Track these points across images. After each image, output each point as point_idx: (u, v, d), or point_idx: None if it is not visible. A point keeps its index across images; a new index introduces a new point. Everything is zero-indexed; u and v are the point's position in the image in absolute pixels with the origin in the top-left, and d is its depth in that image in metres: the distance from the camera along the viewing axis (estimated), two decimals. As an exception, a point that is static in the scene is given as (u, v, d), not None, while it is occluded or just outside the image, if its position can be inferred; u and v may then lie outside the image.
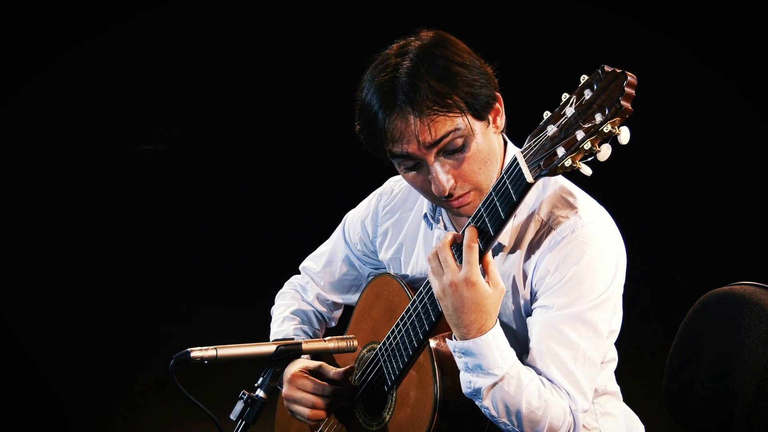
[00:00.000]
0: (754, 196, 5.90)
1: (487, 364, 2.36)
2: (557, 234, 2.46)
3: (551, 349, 2.42)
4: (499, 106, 2.49)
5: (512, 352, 2.40)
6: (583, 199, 2.53)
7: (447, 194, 2.44)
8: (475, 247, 2.34)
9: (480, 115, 2.43)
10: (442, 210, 2.65)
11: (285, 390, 2.71)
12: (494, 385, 2.37)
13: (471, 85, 2.41)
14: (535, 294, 2.49)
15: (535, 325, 2.46)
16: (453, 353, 2.42)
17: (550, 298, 2.45)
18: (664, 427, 3.07)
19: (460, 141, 2.41)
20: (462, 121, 2.40)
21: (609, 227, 2.52)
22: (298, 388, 2.68)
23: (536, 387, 2.40)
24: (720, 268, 5.67)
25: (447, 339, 2.43)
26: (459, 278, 2.33)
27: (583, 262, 2.43)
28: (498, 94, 2.48)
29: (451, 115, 2.39)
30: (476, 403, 2.41)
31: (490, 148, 2.46)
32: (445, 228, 2.64)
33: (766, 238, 5.81)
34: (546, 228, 2.49)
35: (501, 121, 2.50)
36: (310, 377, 2.69)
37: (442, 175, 2.42)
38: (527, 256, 2.50)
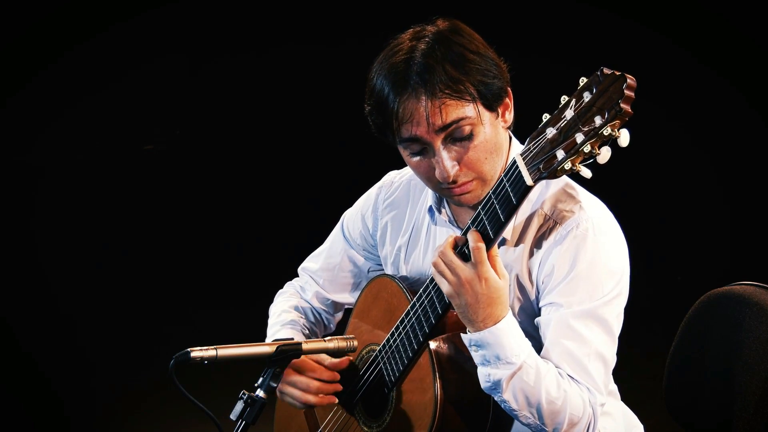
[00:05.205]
0: (754, 196, 5.90)
1: (504, 353, 2.35)
2: (562, 229, 2.46)
3: (564, 346, 2.41)
4: (509, 101, 2.50)
5: (527, 343, 2.39)
6: (585, 195, 2.53)
7: (451, 180, 2.44)
8: (482, 246, 2.34)
9: (490, 106, 2.43)
10: (446, 203, 2.65)
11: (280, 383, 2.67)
12: (513, 375, 2.35)
13: (484, 74, 2.41)
14: (543, 291, 2.48)
15: (546, 324, 2.45)
16: (469, 348, 2.40)
17: (560, 296, 2.44)
18: (664, 427, 3.07)
19: (468, 129, 2.41)
20: (472, 109, 2.40)
21: (613, 224, 2.52)
22: (294, 370, 2.65)
23: (555, 377, 2.39)
24: (720, 268, 5.67)
25: (461, 334, 2.42)
26: (471, 276, 2.33)
27: (591, 257, 2.43)
28: (509, 89, 2.49)
29: (462, 101, 2.39)
30: (495, 398, 2.40)
31: (496, 139, 2.46)
32: (449, 219, 2.64)
33: (766, 238, 5.81)
34: (550, 222, 2.49)
35: (509, 116, 2.51)
36: (307, 361, 2.66)
37: (448, 161, 2.42)
38: (531, 252, 2.50)
